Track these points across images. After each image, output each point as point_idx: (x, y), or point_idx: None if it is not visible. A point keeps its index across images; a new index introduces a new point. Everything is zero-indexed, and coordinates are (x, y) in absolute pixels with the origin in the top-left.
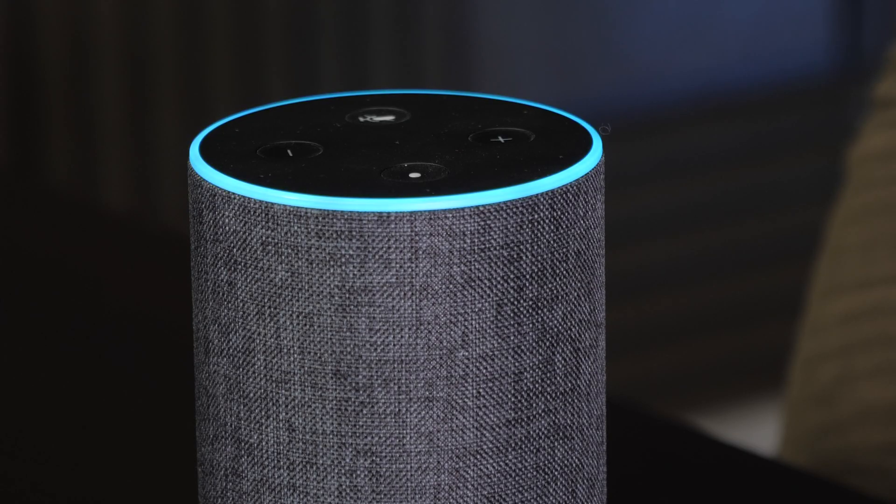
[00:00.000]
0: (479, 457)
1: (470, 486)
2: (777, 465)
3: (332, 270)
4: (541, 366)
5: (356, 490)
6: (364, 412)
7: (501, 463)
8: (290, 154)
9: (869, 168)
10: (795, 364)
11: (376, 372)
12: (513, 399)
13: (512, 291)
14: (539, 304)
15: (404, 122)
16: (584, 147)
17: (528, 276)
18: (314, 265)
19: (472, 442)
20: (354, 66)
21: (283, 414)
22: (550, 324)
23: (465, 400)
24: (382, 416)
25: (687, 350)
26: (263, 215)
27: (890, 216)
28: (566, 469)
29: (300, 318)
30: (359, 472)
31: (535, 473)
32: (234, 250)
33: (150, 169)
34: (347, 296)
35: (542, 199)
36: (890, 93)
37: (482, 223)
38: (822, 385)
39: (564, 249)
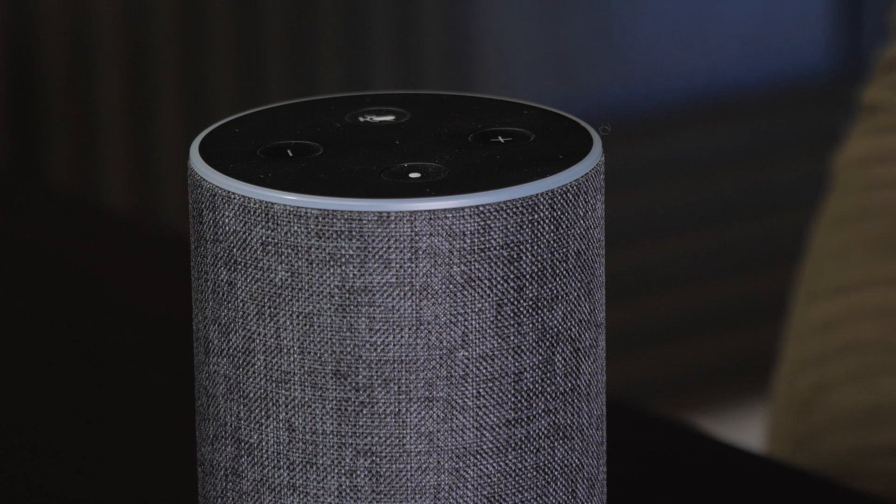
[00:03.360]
0: (479, 457)
1: (470, 486)
2: (777, 465)
3: (332, 270)
4: (541, 366)
5: (356, 490)
6: (364, 412)
7: (501, 463)
8: (290, 154)
9: (850, 174)
10: (779, 373)
11: (376, 372)
12: (513, 399)
13: (512, 291)
14: (539, 304)
15: (404, 122)
16: (584, 147)
17: (528, 276)
18: (314, 265)
19: (472, 442)
20: (354, 67)
21: (283, 414)
22: (550, 324)
23: (465, 400)
24: (382, 416)
25: (687, 350)
26: (263, 215)
27: (864, 222)
28: (566, 469)
29: (300, 318)
30: (359, 472)
31: (535, 473)
32: (234, 250)
33: (150, 169)
34: (347, 296)
35: (542, 199)
36: (876, 98)
37: (482, 223)
38: (800, 394)
39: (564, 249)
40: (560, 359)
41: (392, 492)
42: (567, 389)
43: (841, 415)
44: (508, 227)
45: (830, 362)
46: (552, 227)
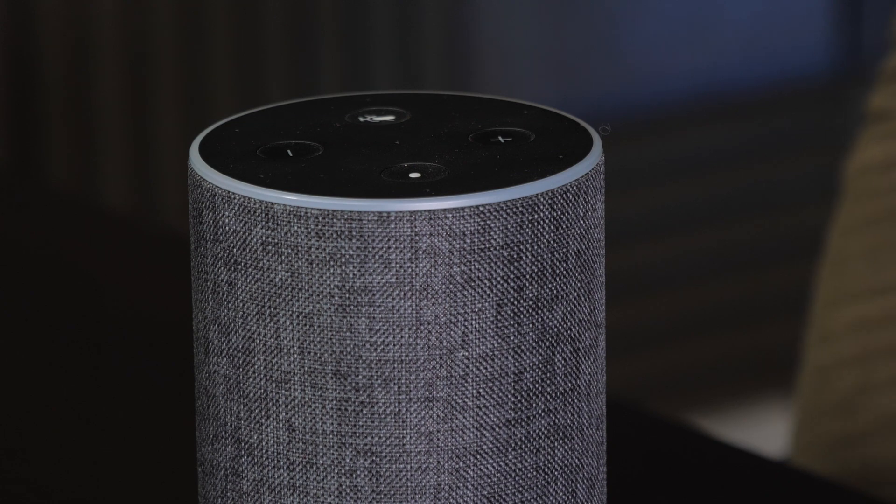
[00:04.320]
0: (479, 457)
1: (470, 486)
2: (778, 466)
3: (332, 270)
4: (541, 366)
5: (356, 490)
6: (364, 412)
7: (501, 463)
8: (290, 154)
9: (868, 179)
10: (806, 373)
11: (376, 372)
12: (513, 399)
13: (512, 291)
14: (539, 304)
15: (404, 122)
16: (584, 147)
17: (528, 276)
18: (314, 265)
19: (472, 442)
20: (354, 67)
21: (283, 414)
22: (550, 324)
23: (465, 400)
24: (382, 416)
25: (687, 350)
26: (263, 215)
27: (891, 225)
28: (566, 469)
29: (300, 318)
30: (359, 472)
31: (535, 473)
32: (234, 250)
33: (150, 169)
34: (347, 296)
35: (542, 199)
36: (883, 106)
37: (482, 223)
38: (839, 394)
39: (564, 249)
40: (560, 359)
41: (392, 492)
42: (567, 389)
43: (891, 418)
44: (508, 227)
45: (874, 363)
46: (552, 227)
